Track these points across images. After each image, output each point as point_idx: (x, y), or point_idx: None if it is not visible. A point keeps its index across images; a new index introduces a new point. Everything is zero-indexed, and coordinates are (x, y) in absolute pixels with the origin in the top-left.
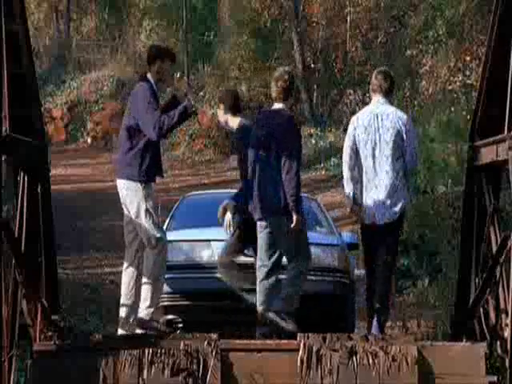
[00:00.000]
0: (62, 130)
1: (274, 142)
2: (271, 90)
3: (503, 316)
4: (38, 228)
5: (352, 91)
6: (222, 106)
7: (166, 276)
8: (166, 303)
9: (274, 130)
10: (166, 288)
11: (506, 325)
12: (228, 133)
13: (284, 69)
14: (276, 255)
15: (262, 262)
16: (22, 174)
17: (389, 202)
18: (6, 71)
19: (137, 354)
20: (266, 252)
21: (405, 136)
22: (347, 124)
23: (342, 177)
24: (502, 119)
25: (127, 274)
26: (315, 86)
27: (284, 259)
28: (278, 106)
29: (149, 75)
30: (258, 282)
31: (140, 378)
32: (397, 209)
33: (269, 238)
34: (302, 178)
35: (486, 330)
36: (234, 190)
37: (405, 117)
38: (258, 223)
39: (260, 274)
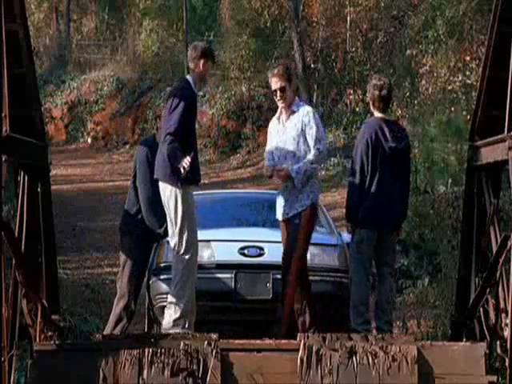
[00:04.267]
0: (62, 130)
1: None
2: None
3: (503, 316)
4: (38, 228)
5: (352, 91)
6: None
7: (166, 276)
8: (165, 303)
9: None
10: (165, 288)
11: (506, 325)
12: (228, 133)
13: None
14: None
15: None
16: (22, 173)
17: None
18: (6, 71)
19: (137, 354)
20: None
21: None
22: (347, 124)
23: (342, 177)
24: (501, 119)
25: None
26: (315, 86)
27: None
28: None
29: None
30: None
31: (140, 378)
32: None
33: None
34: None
35: (486, 330)
36: (234, 190)
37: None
38: None
39: None
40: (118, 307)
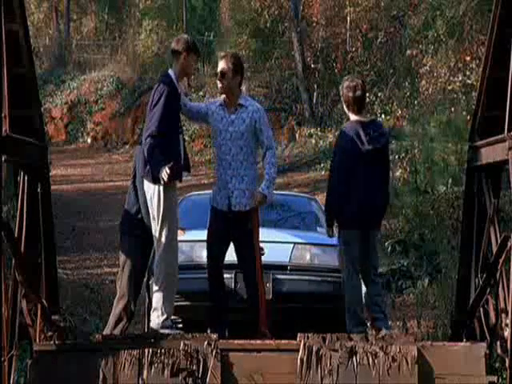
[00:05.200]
0: (62, 130)
1: None
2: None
3: (503, 316)
4: (38, 228)
5: None
6: None
7: None
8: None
9: None
10: None
11: (506, 325)
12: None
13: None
14: None
15: None
16: (22, 174)
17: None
18: (6, 71)
19: (137, 354)
20: None
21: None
22: None
23: None
24: (501, 119)
25: None
26: (315, 86)
27: None
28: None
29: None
30: None
31: (140, 378)
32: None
33: None
34: (302, 178)
35: (486, 330)
36: None
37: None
38: None
39: None
40: (117, 307)
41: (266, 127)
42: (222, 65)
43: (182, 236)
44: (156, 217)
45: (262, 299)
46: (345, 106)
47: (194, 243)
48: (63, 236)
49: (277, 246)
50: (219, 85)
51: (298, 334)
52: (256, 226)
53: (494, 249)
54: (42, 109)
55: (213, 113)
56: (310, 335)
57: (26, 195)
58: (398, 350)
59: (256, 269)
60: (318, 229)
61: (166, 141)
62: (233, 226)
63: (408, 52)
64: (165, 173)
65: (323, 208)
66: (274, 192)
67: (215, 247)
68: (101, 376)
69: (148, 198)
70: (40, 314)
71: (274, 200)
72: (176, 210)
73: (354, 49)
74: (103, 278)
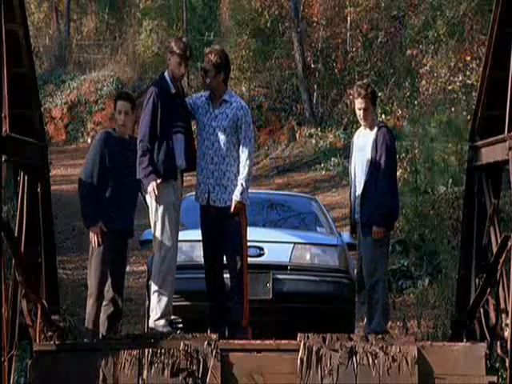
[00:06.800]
0: (62, 130)
1: None
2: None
3: (503, 316)
4: (38, 228)
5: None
6: None
7: None
8: None
9: None
10: None
11: (506, 325)
12: None
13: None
14: None
15: None
16: (22, 174)
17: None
18: (6, 71)
19: (137, 354)
20: None
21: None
22: (347, 124)
23: (342, 177)
24: (501, 119)
25: None
26: (315, 86)
27: None
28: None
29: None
30: None
31: (140, 378)
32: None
33: None
34: (302, 178)
35: (486, 330)
36: None
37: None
38: None
39: None
40: (88, 306)
41: (247, 127)
42: (205, 62)
43: None
44: (153, 216)
45: (246, 297)
46: (375, 111)
47: (193, 243)
48: (63, 236)
49: (277, 245)
50: (203, 81)
51: (298, 334)
52: (244, 226)
53: (494, 249)
54: (42, 109)
55: (198, 107)
56: (310, 335)
57: (26, 195)
58: (398, 350)
59: (243, 266)
60: (318, 229)
61: (159, 141)
62: (217, 222)
63: (408, 52)
64: (151, 188)
65: (323, 208)
66: (274, 192)
67: (207, 246)
68: (101, 376)
69: (146, 197)
70: (40, 314)
71: (274, 200)
72: (173, 209)
73: (354, 49)
74: None
